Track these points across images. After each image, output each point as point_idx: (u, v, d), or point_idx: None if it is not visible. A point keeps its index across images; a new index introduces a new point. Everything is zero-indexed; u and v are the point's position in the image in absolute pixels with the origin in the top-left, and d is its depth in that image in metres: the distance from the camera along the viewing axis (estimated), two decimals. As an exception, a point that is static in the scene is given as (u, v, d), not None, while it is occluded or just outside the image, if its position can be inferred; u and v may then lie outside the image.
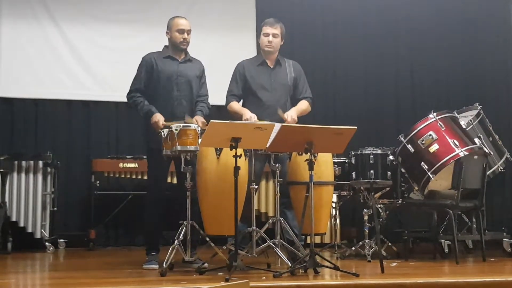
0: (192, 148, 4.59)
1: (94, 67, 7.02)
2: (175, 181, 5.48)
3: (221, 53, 7.00)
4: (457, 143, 5.30)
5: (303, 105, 5.37)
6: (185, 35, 5.05)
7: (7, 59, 6.79)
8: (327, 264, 4.56)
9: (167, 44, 5.15)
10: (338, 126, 4.56)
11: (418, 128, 5.42)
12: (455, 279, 4.22)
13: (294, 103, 5.37)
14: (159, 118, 4.85)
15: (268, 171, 5.48)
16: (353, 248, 5.59)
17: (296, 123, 5.05)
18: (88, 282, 4.25)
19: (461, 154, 5.25)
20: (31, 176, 6.30)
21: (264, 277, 4.21)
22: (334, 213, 6.24)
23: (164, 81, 5.01)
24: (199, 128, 4.67)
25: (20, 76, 6.83)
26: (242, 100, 5.38)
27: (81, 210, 6.89)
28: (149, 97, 5.03)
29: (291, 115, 5.15)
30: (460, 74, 7.68)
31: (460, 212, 5.89)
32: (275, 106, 5.20)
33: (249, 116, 5.06)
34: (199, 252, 4.95)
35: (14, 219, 6.22)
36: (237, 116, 5.16)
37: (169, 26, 5.10)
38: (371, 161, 5.50)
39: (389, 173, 5.52)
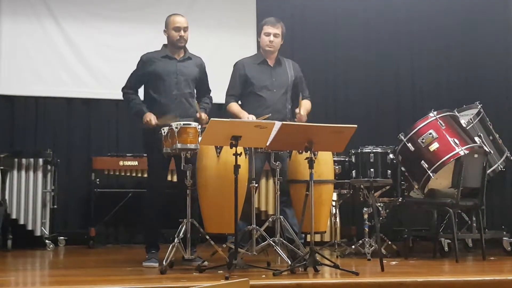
0: (192, 146, 4.60)
1: (94, 65, 7.01)
2: (175, 179, 5.48)
3: (221, 51, 6.99)
4: (457, 142, 5.30)
5: (308, 105, 5.41)
6: (182, 33, 5.04)
7: (8, 56, 6.79)
8: (327, 262, 4.57)
9: (166, 42, 5.15)
10: (338, 124, 4.57)
11: (419, 127, 5.42)
12: (455, 278, 4.23)
13: (296, 103, 5.38)
14: (150, 117, 4.87)
15: (268, 169, 5.48)
16: (353, 247, 5.59)
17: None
18: (88, 280, 4.25)
19: (461, 153, 5.25)
20: (31, 173, 6.30)
21: (264, 275, 4.21)
22: (334, 211, 6.25)
23: (163, 80, 5.01)
24: (199, 126, 4.67)
25: (21, 73, 6.82)
26: (241, 100, 5.39)
27: (81, 208, 6.89)
28: (149, 97, 5.05)
29: (303, 113, 5.19)
30: (461, 72, 7.68)
31: (460, 211, 5.90)
32: (276, 105, 5.22)
33: (247, 117, 5.07)
34: (199, 250, 4.96)
35: (14, 216, 6.22)
36: (236, 118, 5.16)
37: (166, 24, 5.10)
38: (371, 160, 5.51)
39: (389, 171, 5.52)
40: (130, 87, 5.12)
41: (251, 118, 5.04)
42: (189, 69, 5.11)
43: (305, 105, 5.37)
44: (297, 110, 5.18)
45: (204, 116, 4.96)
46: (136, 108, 5.02)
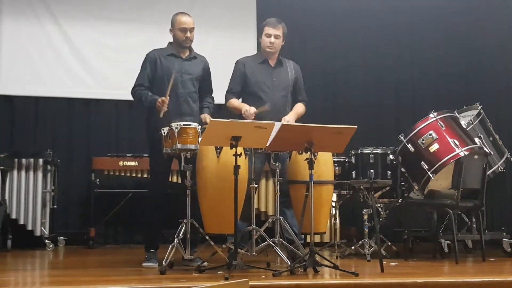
0: (192, 146, 4.60)
1: (94, 65, 7.02)
2: (179, 180, 5.48)
3: (221, 52, 6.98)
4: (457, 143, 5.30)
5: (301, 108, 5.41)
6: (188, 34, 5.04)
7: (8, 57, 6.79)
8: (327, 263, 4.57)
9: (171, 40, 5.14)
10: (338, 125, 4.56)
11: (419, 128, 5.42)
12: (454, 279, 4.23)
13: (292, 104, 5.39)
14: (162, 98, 4.81)
15: (268, 170, 5.48)
16: (353, 247, 5.59)
17: None
18: (87, 280, 4.25)
19: (461, 154, 5.25)
20: (31, 174, 6.30)
21: (263, 276, 4.21)
22: (334, 212, 6.25)
23: (169, 78, 5.00)
24: (200, 127, 4.67)
25: (21, 74, 6.83)
26: (241, 98, 5.40)
27: (81, 208, 6.89)
28: (154, 94, 5.02)
29: (288, 120, 5.17)
30: (461, 73, 7.67)
31: (460, 212, 5.90)
32: (276, 106, 5.22)
33: (247, 107, 5.06)
34: (199, 251, 4.96)
35: (14, 216, 6.22)
36: (237, 112, 5.17)
37: (172, 23, 5.09)
38: (371, 161, 5.50)
39: (389, 172, 5.52)
40: (139, 85, 5.05)
41: (252, 108, 5.04)
42: (194, 68, 5.12)
43: (296, 109, 5.36)
44: (282, 119, 5.16)
45: (208, 118, 4.94)
46: (149, 99, 4.95)
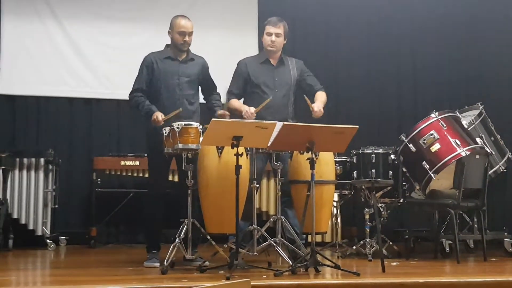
0: (193, 146, 4.60)
1: (96, 65, 7.02)
2: (176, 179, 5.49)
3: (222, 52, 6.98)
4: (458, 143, 5.30)
5: (323, 96, 5.41)
6: (186, 38, 5.03)
7: (9, 56, 6.79)
8: (328, 263, 4.57)
9: (169, 42, 5.14)
10: (340, 125, 4.56)
11: (420, 128, 5.42)
12: (456, 279, 4.23)
13: (311, 98, 5.39)
14: (157, 114, 4.84)
15: (269, 169, 5.48)
16: (354, 247, 5.59)
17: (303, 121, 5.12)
18: (89, 280, 4.25)
19: (463, 154, 5.25)
20: (32, 173, 6.31)
21: (265, 276, 4.21)
22: (335, 212, 6.24)
23: (166, 81, 5.01)
24: (201, 127, 4.67)
25: (22, 73, 6.83)
26: (243, 98, 5.40)
27: (82, 208, 6.90)
28: (151, 97, 5.03)
29: (319, 106, 5.21)
30: (462, 73, 7.66)
31: (461, 212, 5.89)
32: (278, 105, 5.22)
33: (247, 108, 5.07)
34: (200, 250, 4.96)
35: (15, 216, 6.23)
36: (238, 113, 5.17)
37: (171, 26, 5.08)
38: (373, 160, 5.50)
39: (391, 172, 5.51)
40: (138, 90, 5.05)
41: (252, 109, 5.04)
42: (191, 70, 5.11)
43: (321, 98, 5.37)
44: (312, 106, 5.17)
45: (222, 112, 4.98)
46: (145, 109, 4.95)
